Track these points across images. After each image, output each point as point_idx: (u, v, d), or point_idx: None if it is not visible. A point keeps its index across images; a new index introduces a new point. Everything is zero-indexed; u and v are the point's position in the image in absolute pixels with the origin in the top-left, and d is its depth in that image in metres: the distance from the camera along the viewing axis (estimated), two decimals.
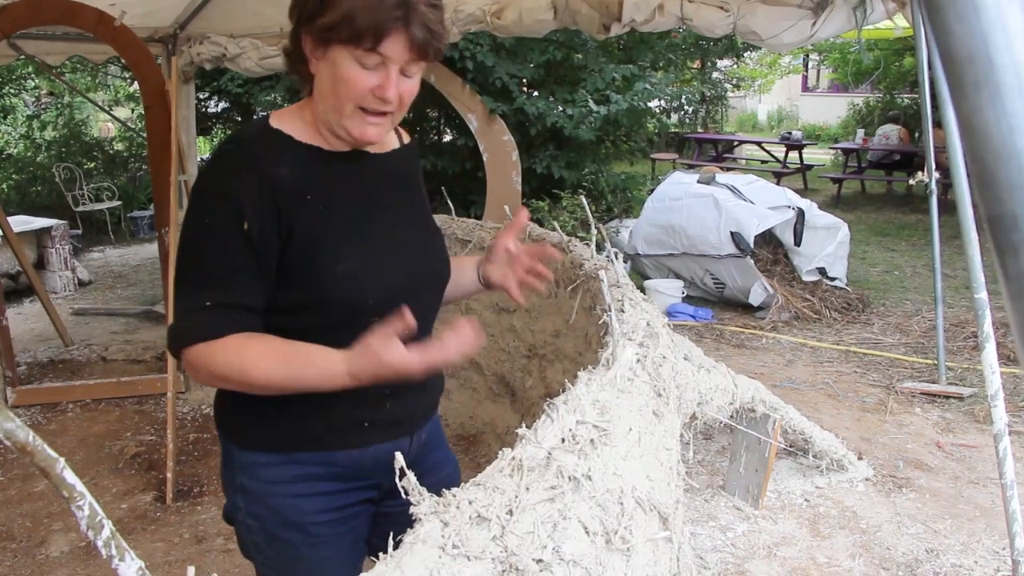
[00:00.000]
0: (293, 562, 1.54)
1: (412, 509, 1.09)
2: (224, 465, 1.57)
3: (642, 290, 6.00)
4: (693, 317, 6.18)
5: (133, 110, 13.51)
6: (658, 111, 12.51)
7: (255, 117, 13.38)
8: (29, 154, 12.04)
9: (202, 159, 12.12)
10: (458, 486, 1.22)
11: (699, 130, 17.13)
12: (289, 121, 1.45)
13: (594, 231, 2.50)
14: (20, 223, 7.49)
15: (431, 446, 1.71)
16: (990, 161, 0.38)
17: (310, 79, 1.42)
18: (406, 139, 1.65)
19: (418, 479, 1.43)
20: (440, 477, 1.63)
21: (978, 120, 0.38)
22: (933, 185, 4.63)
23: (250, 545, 1.57)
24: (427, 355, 1.30)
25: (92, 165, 11.80)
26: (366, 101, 1.36)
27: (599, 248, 2.69)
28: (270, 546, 1.54)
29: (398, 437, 1.56)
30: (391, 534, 1.12)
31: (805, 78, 23.44)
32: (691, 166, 12.59)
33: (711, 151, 14.59)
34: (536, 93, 8.99)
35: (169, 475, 3.71)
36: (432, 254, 1.60)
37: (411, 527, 1.09)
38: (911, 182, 10.98)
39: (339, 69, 1.34)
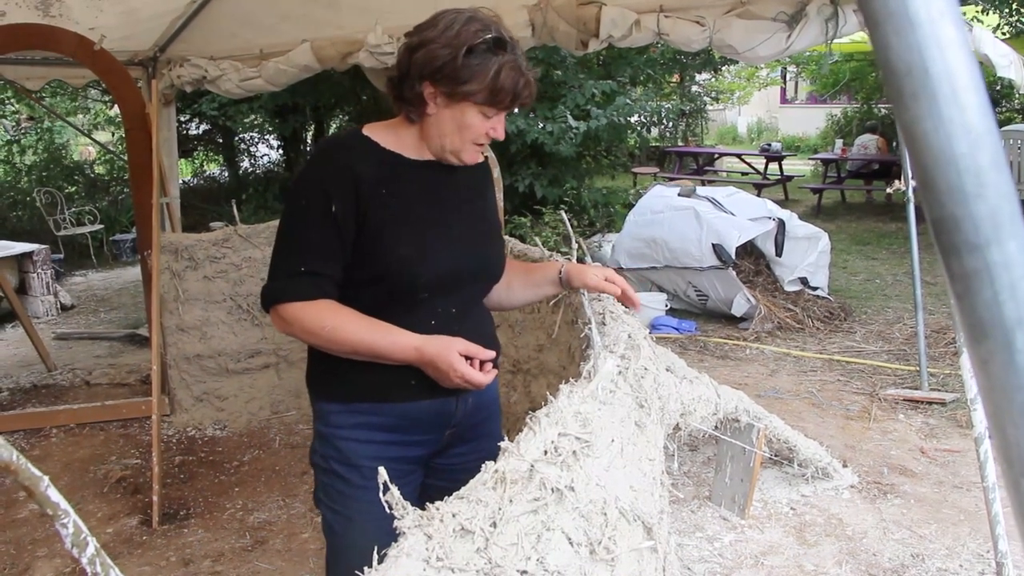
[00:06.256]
0: (347, 499, 1.81)
1: (396, 523, 1.10)
2: (313, 417, 1.90)
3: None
4: (677, 329, 6.21)
5: (114, 133, 13.48)
6: (638, 126, 12.58)
7: (236, 138, 13.42)
8: (9, 179, 11.98)
9: (183, 181, 12.12)
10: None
11: (679, 143, 17.23)
12: (379, 132, 1.79)
13: (575, 246, 2.52)
14: (1, 248, 7.45)
15: (484, 415, 1.94)
16: (930, 167, 0.40)
17: (421, 115, 1.74)
18: (480, 158, 1.93)
19: (462, 441, 1.91)
20: (481, 450, 1.83)
21: (917, 129, 0.40)
22: (911, 193, 4.68)
23: (319, 487, 1.86)
24: (472, 376, 1.68)
25: (73, 189, 11.75)
26: (481, 140, 1.75)
27: (580, 263, 2.70)
28: (332, 485, 1.82)
29: (443, 396, 1.79)
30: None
31: (783, 90, 23.65)
32: (671, 179, 12.66)
33: (692, 164, 14.68)
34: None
35: (155, 498, 3.69)
36: (483, 252, 1.87)
37: (460, 477, 1.30)
38: (889, 191, 11.05)
39: (465, 118, 1.70)
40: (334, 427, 1.81)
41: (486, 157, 2.02)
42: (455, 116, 1.71)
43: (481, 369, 1.74)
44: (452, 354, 1.67)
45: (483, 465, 1.25)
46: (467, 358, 1.72)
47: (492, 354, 1.75)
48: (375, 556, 1.04)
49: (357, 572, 1.00)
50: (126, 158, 5.18)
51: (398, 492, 1.13)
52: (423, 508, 1.13)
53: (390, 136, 1.78)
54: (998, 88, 11.86)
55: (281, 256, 1.74)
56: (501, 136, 1.76)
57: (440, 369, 1.68)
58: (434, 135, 1.75)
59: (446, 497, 1.22)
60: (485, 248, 1.89)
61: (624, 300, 1.99)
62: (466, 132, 1.72)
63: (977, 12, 10.70)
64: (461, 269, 1.80)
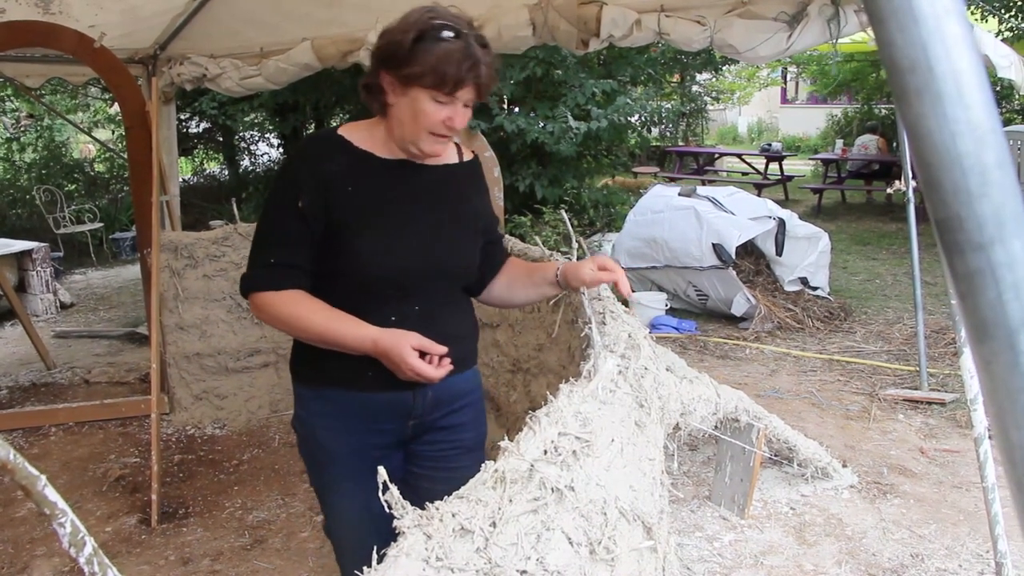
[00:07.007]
0: (321, 476, 1.98)
1: (396, 522, 1.09)
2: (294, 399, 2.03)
3: (625, 303, 6.02)
4: (677, 329, 6.20)
5: (114, 131, 13.46)
6: (639, 125, 12.56)
7: (236, 137, 13.42)
8: (9, 176, 11.97)
9: (183, 179, 12.12)
10: (480, 451, 1.92)
11: (680, 143, 17.22)
12: (354, 131, 1.86)
13: (575, 245, 2.51)
14: (0, 246, 7.45)
15: (453, 408, 1.99)
16: (934, 166, 0.40)
17: (385, 106, 1.80)
18: (467, 157, 2.03)
19: (433, 429, 1.97)
20: (456, 440, 2.00)
21: (921, 127, 0.39)
22: (911, 194, 4.67)
23: (300, 451, 2.03)
24: (423, 370, 1.72)
25: (73, 187, 11.74)
26: (438, 129, 1.75)
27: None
28: (307, 458, 2.01)
29: (399, 390, 1.86)
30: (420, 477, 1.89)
31: (784, 90, 23.65)
32: (672, 179, 12.65)
33: (692, 164, 14.67)
34: (517, 109, 9.02)
35: (154, 497, 3.68)
36: (452, 251, 1.90)
37: (441, 462, 1.68)
38: (889, 191, 11.05)
39: (418, 104, 1.73)
40: (310, 412, 1.94)
41: (477, 156, 2.04)
42: (410, 103, 1.74)
43: (439, 364, 1.78)
44: (404, 348, 1.73)
45: (483, 465, 1.25)
46: (422, 353, 1.76)
47: (444, 349, 1.78)
48: (363, 548, 1.06)
49: (357, 572, 1.00)
50: (126, 156, 5.17)
51: (397, 492, 1.13)
52: (402, 491, 1.14)
53: (364, 135, 1.85)
54: (998, 89, 11.84)
55: (258, 246, 1.84)
56: (459, 125, 1.77)
57: (393, 361, 1.74)
58: (395, 126, 1.79)
59: (427, 484, 1.54)
60: (449, 248, 1.91)
61: (617, 287, 1.99)
62: (420, 119, 1.74)
63: (976, 19, 10.70)
64: (422, 268, 1.85)
